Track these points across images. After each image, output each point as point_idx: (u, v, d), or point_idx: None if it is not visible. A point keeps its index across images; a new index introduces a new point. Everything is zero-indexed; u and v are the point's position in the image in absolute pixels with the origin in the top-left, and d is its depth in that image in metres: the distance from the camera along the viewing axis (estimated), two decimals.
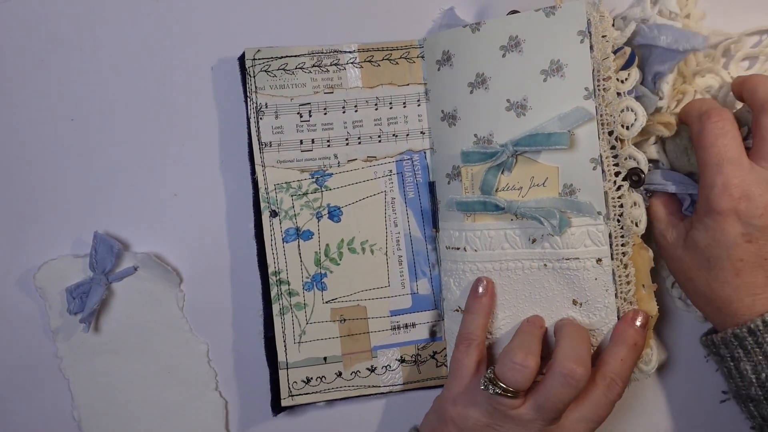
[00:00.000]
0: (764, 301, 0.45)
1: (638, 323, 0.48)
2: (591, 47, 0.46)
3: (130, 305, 0.53)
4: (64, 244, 0.52)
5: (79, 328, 0.52)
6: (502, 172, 0.49)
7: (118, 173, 0.53)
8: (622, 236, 0.48)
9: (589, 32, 0.46)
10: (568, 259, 0.48)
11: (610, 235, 0.48)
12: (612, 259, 0.48)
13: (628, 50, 0.47)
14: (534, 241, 0.49)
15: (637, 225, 0.49)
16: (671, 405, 0.53)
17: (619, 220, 0.48)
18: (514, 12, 0.50)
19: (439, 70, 0.51)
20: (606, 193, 0.48)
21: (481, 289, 0.49)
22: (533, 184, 0.48)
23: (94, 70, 0.52)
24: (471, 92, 0.49)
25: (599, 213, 0.48)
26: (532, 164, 0.48)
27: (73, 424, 0.53)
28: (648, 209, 0.50)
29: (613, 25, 0.47)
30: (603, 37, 0.46)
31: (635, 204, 0.49)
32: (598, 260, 0.48)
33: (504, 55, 0.48)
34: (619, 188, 0.48)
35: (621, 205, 0.48)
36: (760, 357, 0.44)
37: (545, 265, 0.49)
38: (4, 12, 0.51)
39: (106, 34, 0.52)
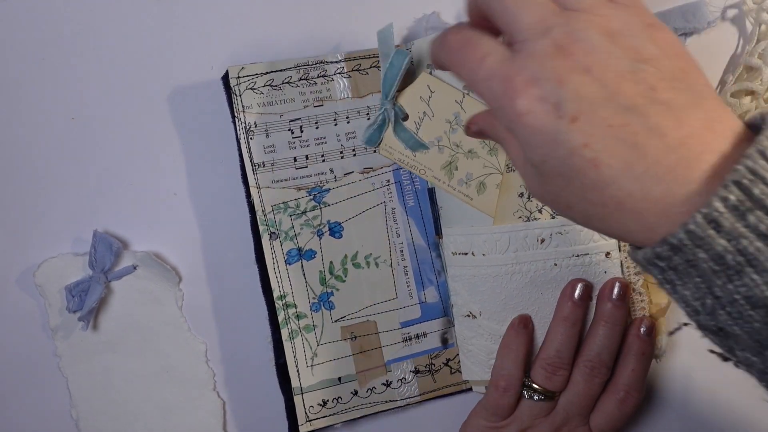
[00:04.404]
0: (666, 201, 0.29)
1: (643, 331, 0.49)
2: None
3: (129, 304, 0.52)
4: (64, 243, 0.52)
5: (78, 326, 0.51)
6: None
7: (119, 172, 0.52)
8: None
9: None
10: (577, 256, 0.49)
11: None
12: (620, 251, 0.49)
13: None
14: (543, 241, 0.49)
15: None
16: (678, 391, 0.54)
17: None
18: None
19: (431, 74, 0.50)
20: None
21: (520, 325, 0.49)
22: None
23: (95, 68, 0.51)
24: (467, 94, 0.49)
25: None
26: None
27: (71, 423, 0.52)
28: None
29: None
30: None
31: None
32: (607, 254, 0.49)
33: None
34: None
35: None
36: (698, 279, 0.29)
37: (555, 264, 0.49)
38: (4, 11, 0.50)
39: (107, 33, 0.51)
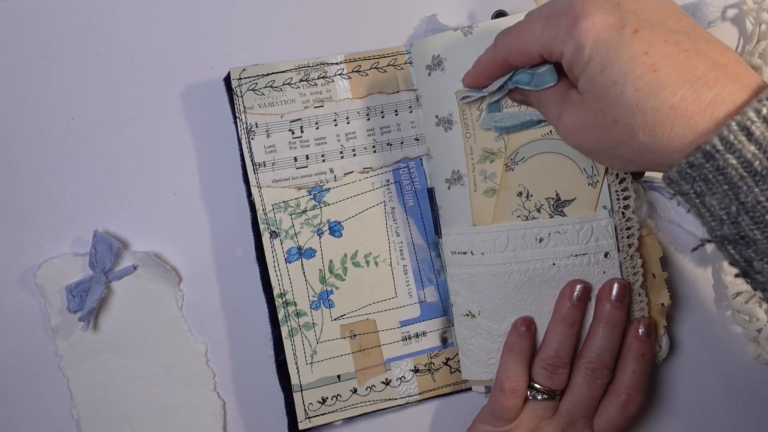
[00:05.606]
0: (715, 104, 0.33)
1: (641, 332, 0.49)
2: None
3: (130, 304, 0.52)
4: (65, 243, 0.52)
5: (79, 326, 0.51)
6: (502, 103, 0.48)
7: (119, 172, 0.52)
8: (628, 228, 0.49)
9: None
10: (576, 256, 0.49)
11: (615, 228, 0.49)
12: (618, 251, 0.49)
13: None
14: (541, 240, 0.49)
15: (634, 213, 0.50)
16: (678, 392, 0.54)
17: (623, 213, 0.49)
18: (500, 13, 0.50)
19: (429, 75, 0.50)
20: (609, 186, 0.48)
21: (523, 327, 0.49)
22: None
23: (95, 69, 0.52)
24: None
25: (604, 207, 0.48)
26: None
27: (71, 423, 0.52)
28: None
29: None
30: None
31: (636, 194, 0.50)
32: (606, 254, 0.49)
33: None
34: (622, 181, 0.48)
35: (626, 198, 0.48)
36: (725, 186, 0.32)
37: (554, 263, 0.49)
38: (4, 10, 0.51)
39: (108, 33, 0.52)
